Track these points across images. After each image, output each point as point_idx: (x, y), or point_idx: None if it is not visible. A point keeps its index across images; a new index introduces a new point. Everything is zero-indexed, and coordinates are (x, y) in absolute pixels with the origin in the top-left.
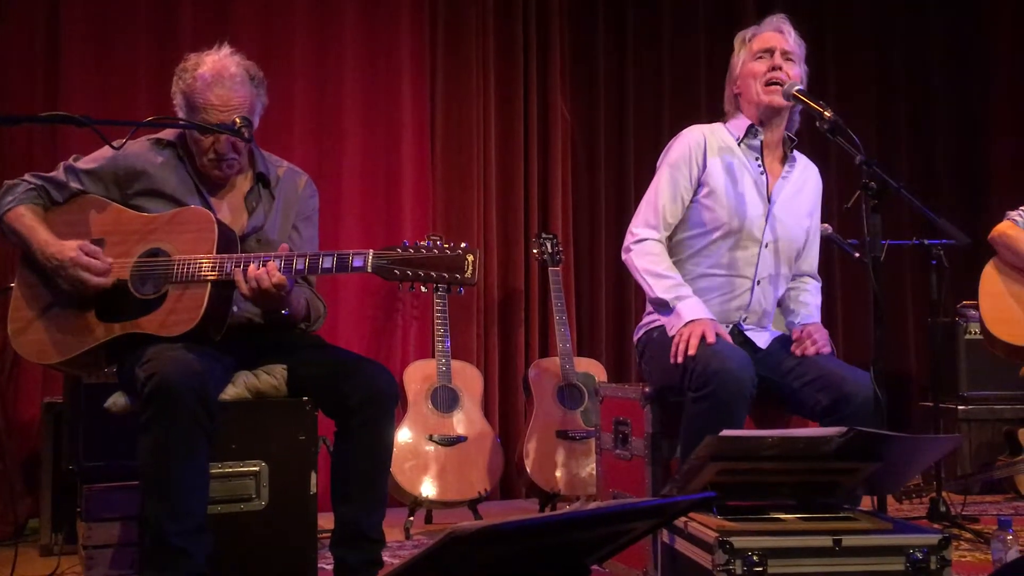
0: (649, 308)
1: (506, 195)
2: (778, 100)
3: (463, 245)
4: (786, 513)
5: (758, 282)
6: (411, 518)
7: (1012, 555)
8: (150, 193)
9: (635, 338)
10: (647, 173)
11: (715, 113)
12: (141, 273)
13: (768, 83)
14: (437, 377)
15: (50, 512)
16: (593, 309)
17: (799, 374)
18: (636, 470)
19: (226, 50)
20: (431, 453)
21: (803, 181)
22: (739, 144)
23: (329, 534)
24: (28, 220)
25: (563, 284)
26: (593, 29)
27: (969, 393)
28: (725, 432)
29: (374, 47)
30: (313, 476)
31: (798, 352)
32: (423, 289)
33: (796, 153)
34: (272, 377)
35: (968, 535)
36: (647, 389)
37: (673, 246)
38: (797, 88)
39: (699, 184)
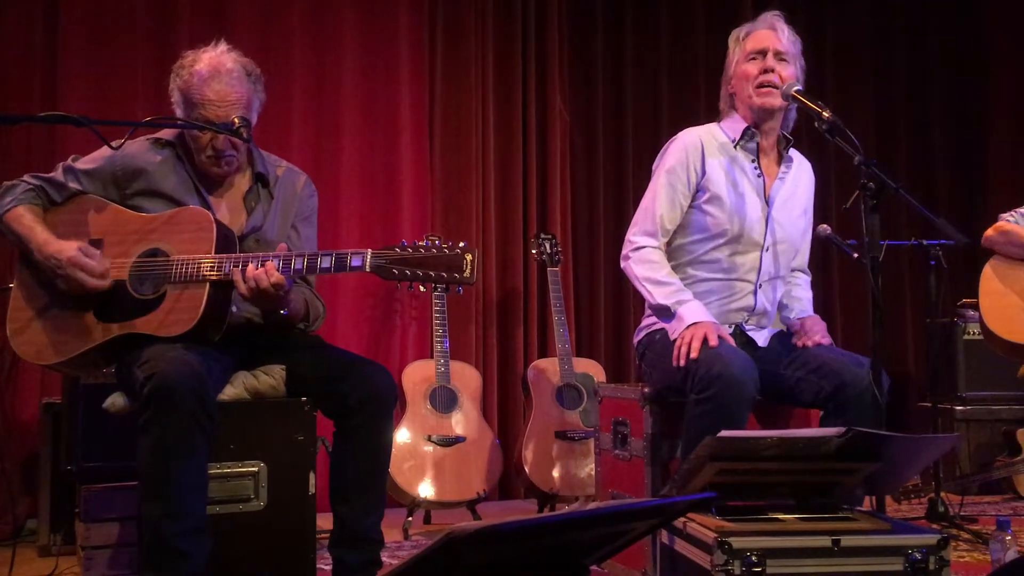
0: (649, 311)
1: (505, 195)
2: (770, 102)
3: (461, 244)
4: (785, 513)
5: (760, 285)
6: (410, 518)
7: (1010, 555)
8: (149, 193)
9: (635, 340)
10: (646, 173)
11: (714, 113)
12: (140, 273)
13: (760, 85)
14: (436, 377)
15: (48, 512)
16: (592, 309)
17: (800, 364)
18: (635, 470)
19: (223, 46)
20: (430, 453)
21: (798, 180)
22: (735, 146)
23: (328, 534)
24: (27, 220)
25: (562, 284)
26: (592, 29)
27: (967, 393)
28: (724, 432)
29: (373, 47)
30: (312, 476)
31: (799, 344)
32: (421, 289)
33: (792, 152)
34: (271, 377)
35: (967, 535)
36: (646, 390)
37: (672, 251)
38: (796, 88)
39: (698, 189)
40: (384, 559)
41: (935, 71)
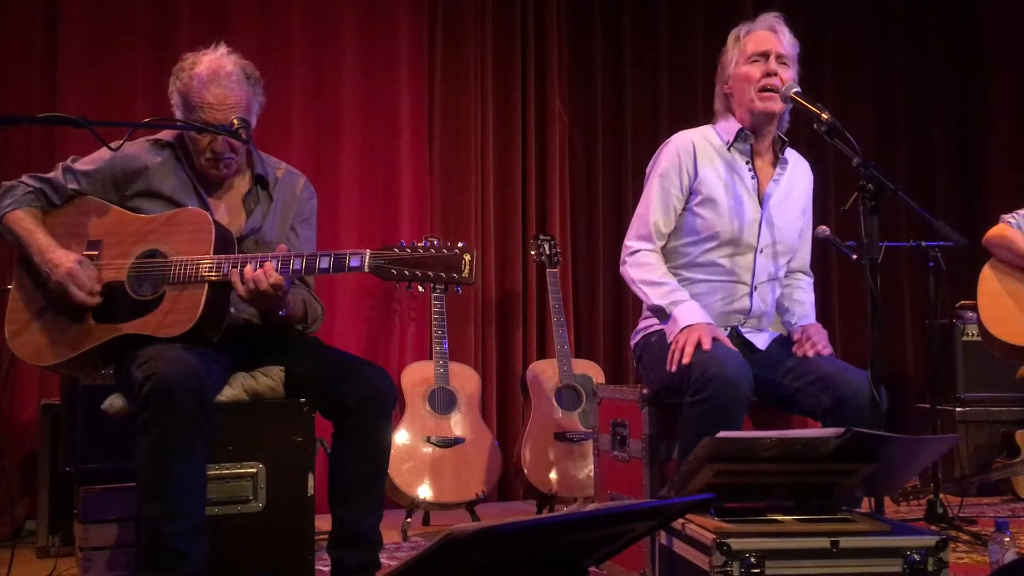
0: (646, 312)
1: (504, 196)
2: (772, 107)
3: (460, 244)
4: (784, 515)
5: (755, 287)
6: (408, 519)
7: (1009, 557)
8: (148, 194)
9: (632, 343)
10: (645, 174)
11: (713, 113)
12: (138, 274)
13: (763, 89)
14: (435, 379)
15: (47, 514)
16: (591, 311)
17: (799, 375)
18: (634, 472)
19: (223, 49)
20: (429, 455)
21: (794, 181)
22: (729, 148)
23: (327, 535)
24: (27, 223)
25: (561, 286)
26: (590, 30)
27: (966, 395)
28: (723, 433)
29: (372, 47)
30: (310, 478)
31: (799, 354)
32: (420, 289)
33: (787, 152)
34: (269, 379)
35: (965, 537)
36: (645, 391)
37: (668, 254)
38: (795, 91)
39: (691, 192)
40: (383, 560)
41: (935, 71)
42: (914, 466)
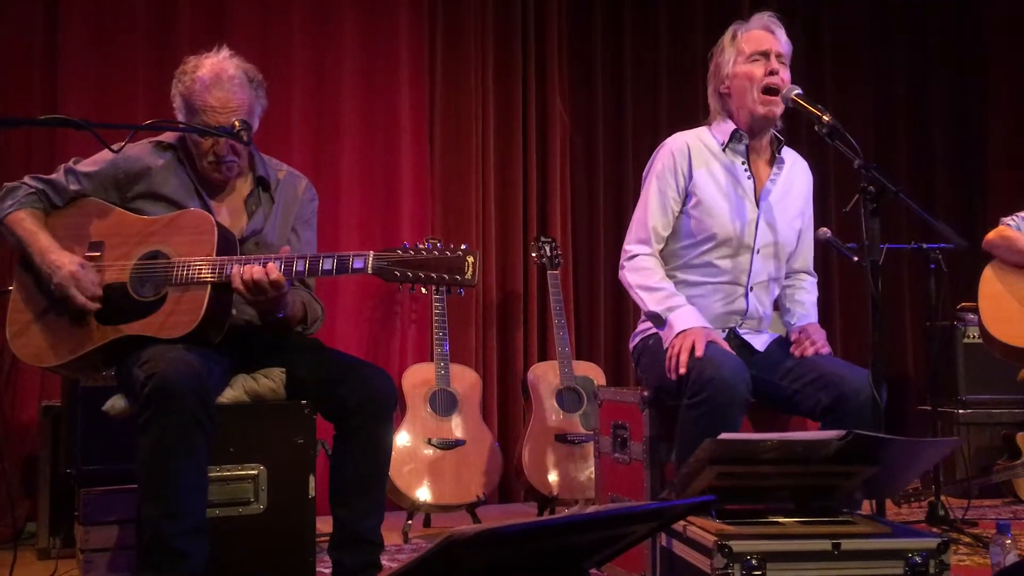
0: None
1: (505, 197)
2: (774, 111)
3: (463, 246)
4: (785, 517)
5: (751, 288)
6: (409, 521)
7: (1011, 559)
8: (150, 196)
9: (631, 345)
10: (642, 177)
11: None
12: (140, 275)
13: (767, 89)
14: (436, 380)
15: (48, 515)
16: (592, 312)
17: (798, 375)
18: (635, 474)
19: (225, 52)
20: (429, 457)
21: (792, 180)
22: (724, 149)
23: (328, 537)
24: (29, 224)
25: (562, 287)
26: (591, 30)
27: (967, 397)
28: (724, 435)
29: (373, 48)
30: (311, 479)
31: (797, 353)
32: (423, 291)
33: (784, 152)
34: (270, 380)
35: (967, 539)
36: (645, 393)
37: (666, 256)
38: (796, 93)
39: (687, 194)
40: (384, 562)
41: (935, 71)
42: (915, 468)
